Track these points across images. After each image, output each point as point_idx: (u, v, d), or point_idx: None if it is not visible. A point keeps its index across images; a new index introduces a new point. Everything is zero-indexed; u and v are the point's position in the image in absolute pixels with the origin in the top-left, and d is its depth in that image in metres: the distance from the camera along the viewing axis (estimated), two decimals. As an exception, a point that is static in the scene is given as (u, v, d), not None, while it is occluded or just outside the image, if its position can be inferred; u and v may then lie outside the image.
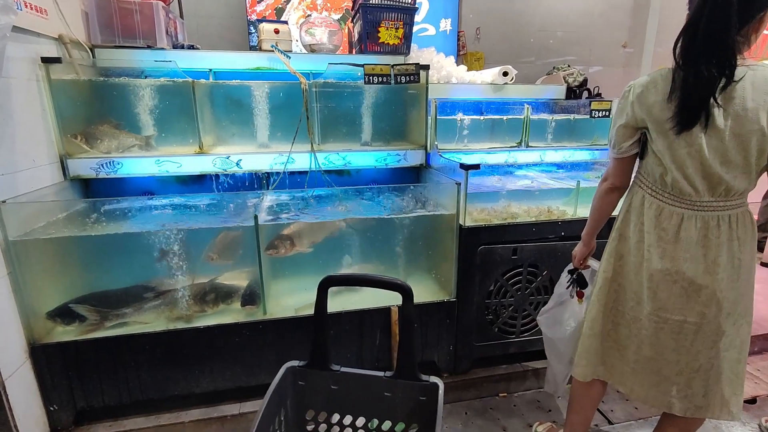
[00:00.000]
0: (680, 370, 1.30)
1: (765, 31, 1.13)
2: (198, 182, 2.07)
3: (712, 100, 1.09)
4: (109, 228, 1.68)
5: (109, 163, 1.83)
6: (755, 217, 3.41)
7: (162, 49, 2.02)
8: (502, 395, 2.07)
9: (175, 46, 2.17)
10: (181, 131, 1.95)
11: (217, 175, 2.05)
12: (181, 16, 2.50)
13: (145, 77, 1.94)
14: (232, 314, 1.80)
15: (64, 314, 1.63)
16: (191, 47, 2.17)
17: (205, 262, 1.81)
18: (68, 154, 1.79)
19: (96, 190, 1.96)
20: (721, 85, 1.08)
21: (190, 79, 1.88)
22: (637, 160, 1.33)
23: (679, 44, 1.12)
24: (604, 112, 2.34)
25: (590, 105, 2.33)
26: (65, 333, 1.65)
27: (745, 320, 1.27)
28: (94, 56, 1.96)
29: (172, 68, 1.92)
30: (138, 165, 1.86)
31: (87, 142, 1.82)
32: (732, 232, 1.19)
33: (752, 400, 2.02)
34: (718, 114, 1.10)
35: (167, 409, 1.77)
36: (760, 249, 3.51)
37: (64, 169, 1.79)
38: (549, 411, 1.97)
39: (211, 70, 2.18)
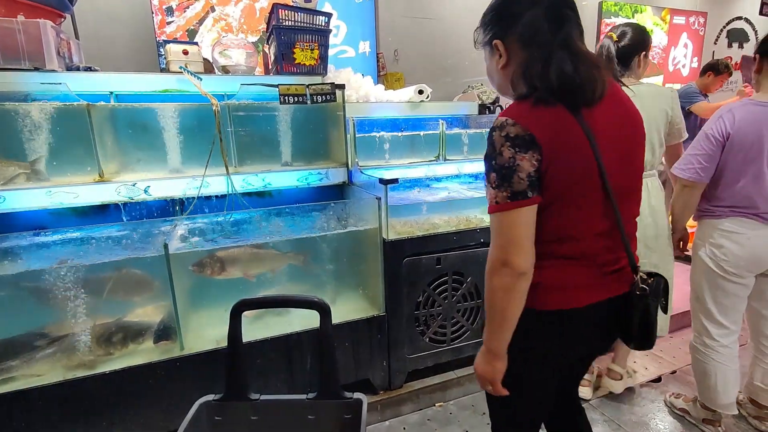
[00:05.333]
0: None
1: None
2: (101, 213, 1.90)
3: None
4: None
5: (-12, 197, 1.61)
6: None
7: (52, 71, 1.84)
8: (439, 405, 2.08)
9: (69, 68, 1.99)
10: (76, 159, 1.78)
11: (124, 204, 1.90)
12: (77, 37, 2.33)
13: (32, 101, 1.76)
14: (144, 354, 1.65)
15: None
16: (88, 69, 2.01)
17: (112, 299, 1.65)
18: (-66, 190, 1.56)
19: (-26, 229, 1.72)
20: None
21: (84, 102, 1.74)
22: None
23: None
24: (511, 126, 2.52)
25: (499, 119, 2.50)
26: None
27: None
28: (-34, 80, 1.74)
29: (63, 91, 1.76)
30: (25, 197, 1.66)
31: (-41, 176, 1.60)
32: None
33: (657, 379, 2.22)
34: None
35: (69, 471, 1.56)
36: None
37: (-71, 208, 1.55)
38: (483, 414, 2.01)
39: (112, 93, 2.04)
